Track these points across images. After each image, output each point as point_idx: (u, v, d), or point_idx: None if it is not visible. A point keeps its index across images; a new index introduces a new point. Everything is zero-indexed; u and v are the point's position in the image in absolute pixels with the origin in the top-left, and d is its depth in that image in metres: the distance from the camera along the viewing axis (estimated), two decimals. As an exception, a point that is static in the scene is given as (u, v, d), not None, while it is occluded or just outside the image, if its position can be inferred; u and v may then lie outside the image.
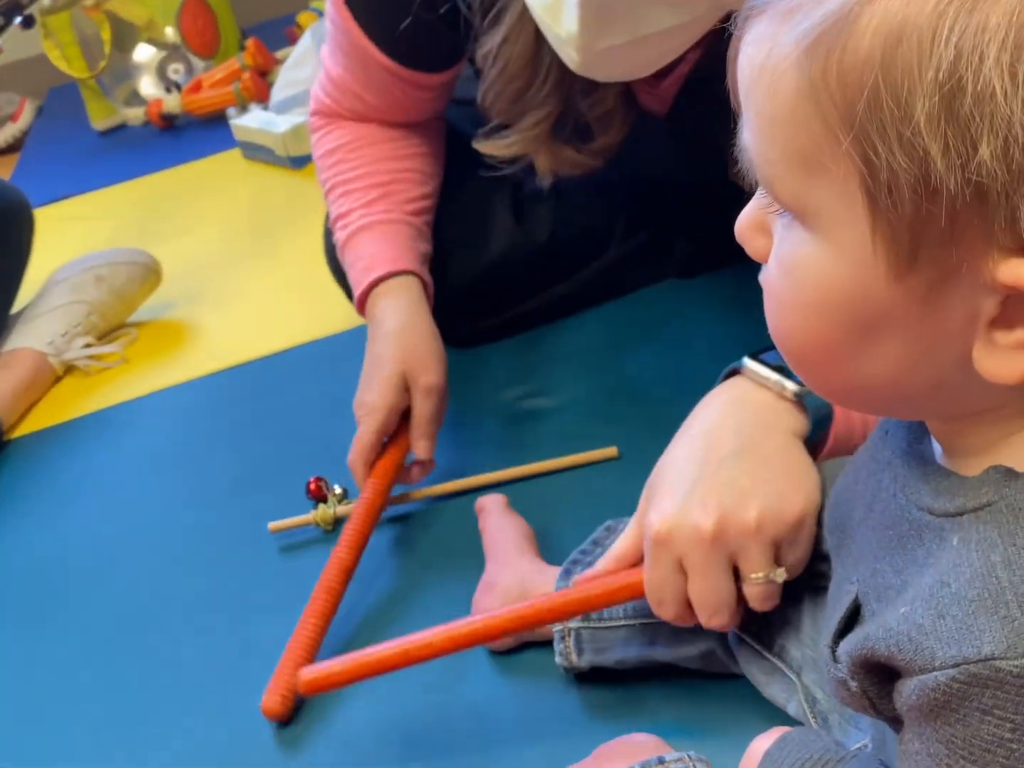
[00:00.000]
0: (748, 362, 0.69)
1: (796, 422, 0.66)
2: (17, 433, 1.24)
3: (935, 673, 0.37)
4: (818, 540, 0.64)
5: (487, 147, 0.90)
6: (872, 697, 0.43)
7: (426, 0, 0.88)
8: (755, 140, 0.38)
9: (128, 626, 0.93)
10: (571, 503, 0.91)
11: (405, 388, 0.92)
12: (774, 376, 0.67)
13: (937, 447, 0.44)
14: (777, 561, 0.63)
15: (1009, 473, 0.39)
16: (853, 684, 0.43)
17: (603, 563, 0.70)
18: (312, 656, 0.81)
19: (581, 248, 1.11)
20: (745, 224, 0.42)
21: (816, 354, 0.40)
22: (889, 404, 0.43)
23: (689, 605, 0.65)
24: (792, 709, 0.67)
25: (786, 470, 0.64)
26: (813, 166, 0.36)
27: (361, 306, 0.99)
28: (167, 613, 0.93)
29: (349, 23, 0.93)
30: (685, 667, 0.73)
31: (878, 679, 0.42)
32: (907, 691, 0.39)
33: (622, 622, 0.74)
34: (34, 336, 1.30)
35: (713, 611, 0.64)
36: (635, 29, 0.69)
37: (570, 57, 0.75)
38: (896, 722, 0.43)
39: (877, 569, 0.44)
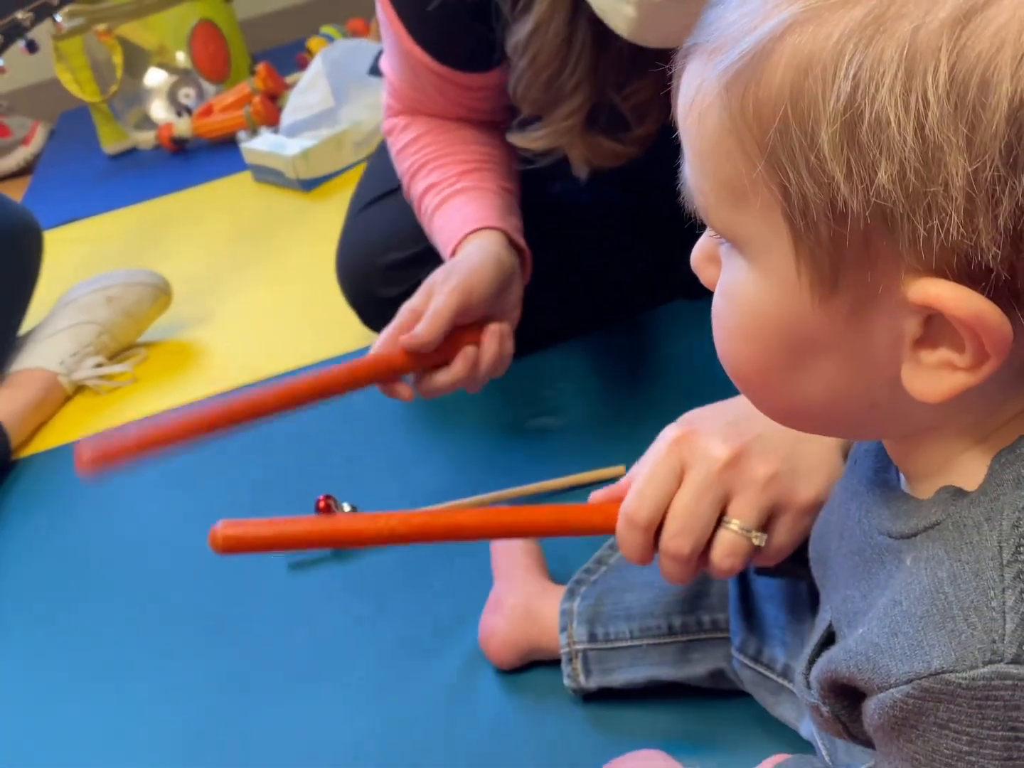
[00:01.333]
0: None
1: (835, 455, 0.65)
2: (27, 452, 1.25)
3: (892, 690, 0.38)
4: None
5: (520, 139, 0.89)
6: (844, 721, 0.44)
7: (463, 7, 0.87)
8: (690, 172, 0.40)
9: (137, 643, 0.93)
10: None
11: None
12: None
13: (901, 475, 0.45)
14: (763, 528, 0.62)
15: (957, 492, 0.40)
16: (824, 709, 0.44)
17: (594, 496, 0.69)
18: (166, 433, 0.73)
19: (589, 268, 1.11)
20: (698, 254, 0.44)
21: (756, 377, 0.42)
22: (830, 424, 0.44)
23: (657, 529, 0.62)
24: (804, 728, 0.67)
25: (815, 460, 0.63)
26: (739, 196, 0.38)
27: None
28: (175, 630, 0.94)
29: (396, 25, 0.93)
30: (694, 685, 0.73)
31: (847, 702, 0.43)
32: (870, 711, 0.40)
33: (629, 643, 0.74)
34: (45, 356, 1.31)
35: (680, 530, 0.61)
36: None
37: (623, 16, 0.73)
38: (871, 746, 0.43)
39: (847, 595, 0.45)
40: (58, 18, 1.30)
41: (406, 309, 0.86)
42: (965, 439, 0.40)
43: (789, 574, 0.67)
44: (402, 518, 0.65)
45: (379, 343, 0.85)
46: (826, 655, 0.43)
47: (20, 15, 1.23)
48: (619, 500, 0.64)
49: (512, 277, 0.90)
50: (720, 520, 0.62)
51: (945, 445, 0.41)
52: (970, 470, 0.40)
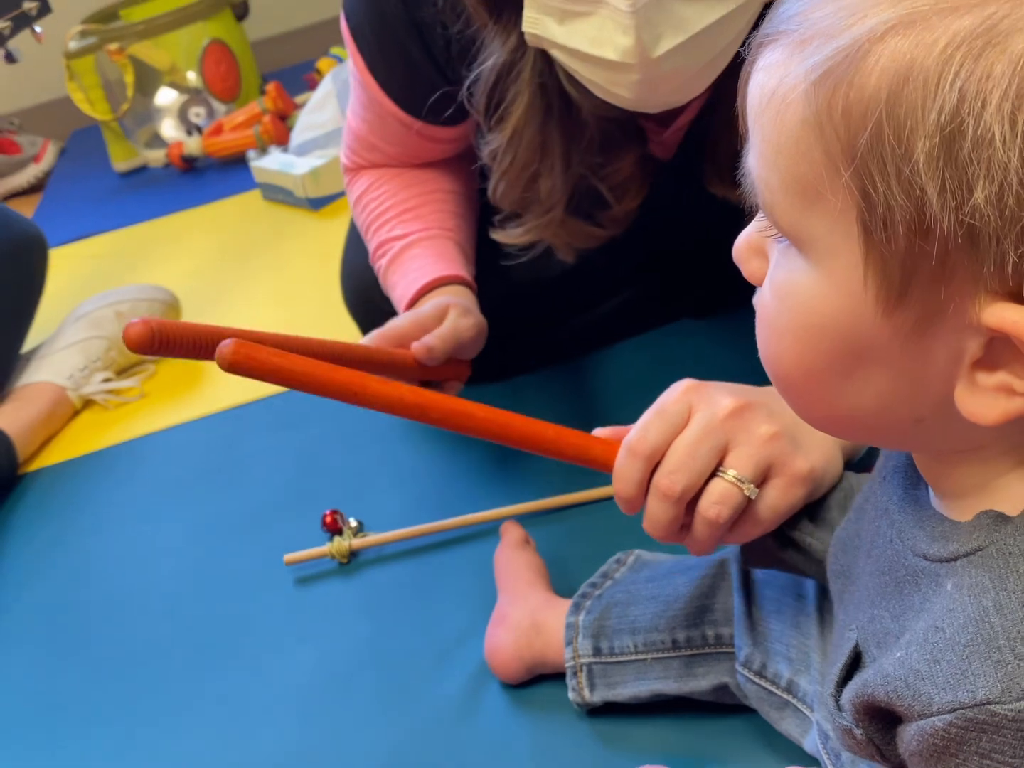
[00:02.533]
0: None
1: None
2: (35, 466, 1.26)
3: (933, 718, 0.38)
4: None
5: (503, 236, 0.91)
6: (879, 744, 0.43)
7: (436, 65, 0.89)
8: (759, 165, 0.39)
9: (145, 658, 0.94)
10: (584, 537, 0.91)
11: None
12: None
13: (932, 493, 0.44)
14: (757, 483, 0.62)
15: (999, 517, 0.39)
16: (859, 732, 0.44)
17: (599, 431, 0.69)
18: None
19: (596, 285, 1.12)
20: (743, 245, 0.43)
21: (802, 380, 0.41)
22: (871, 434, 0.43)
23: (654, 468, 0.63)
24: (808, 744, 0.67)
25: (814, 438, 0.63)
26: (812, 195, 0.37)
27: None
28: (184, 644, 0.94)
29: (366, 76, 0.95)
30: (699, 700, 0.73)
31: (882, 725, 0.43)
32: (907, 736, 0.40)
33: (633, 657, 0.74)
34: (53, 370, 1.32)
35: (677, 467, 0.61)
36: (687, 28, 0.69)
37: (627, 83, 0.74)
38: None
39: (875, 615, 0.44)
40: (37, 28, 1.30)
41: (409, 319, 0.86)
42: (1008, 460, 0.40)
43: (779, 566, 0.67)
44: (413, 389, 0.66)
45: (375, 338, 0.84)
46: (860, 678, 0.43)
47: None
48: (619, 439, 0.65)
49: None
50: (715, 472, 0.62)
51: (986, 466, 0.40)
52: (1012, 493, 0.40)
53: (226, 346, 0.64)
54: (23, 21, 1.25)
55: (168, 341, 0.67)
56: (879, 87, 0.34)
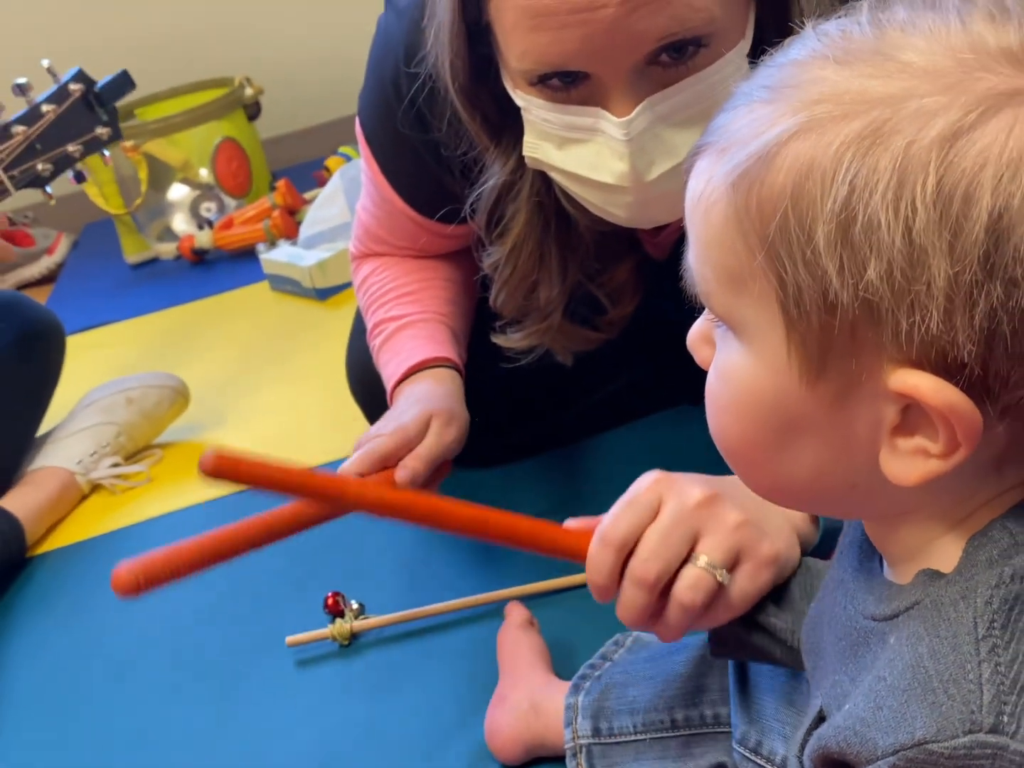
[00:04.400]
0: None
1: (803, 523, 0.68)
2: (42, 549, 1.27)
3: (879, 762, 0.40)
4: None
5: (504, 341, 0.95)
6: None
7: (450, 173, 0.93)
8: (695, 260, 0.43)
9: (146, 738, 0.94)
10: (585, 619, 0.92)
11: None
12: None
13: (884, 564, 0.47)
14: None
15: (935, 574, 0.42)
16: None
17: (570, 522, 0.70)
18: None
19: (594, 371, 1.15)
20: (694, 335, 0.47)
21: (745, 452, 0.44)
22: (812, 501, 0.47)
23: (626, 557, 0.64)
24: (805, 820, 0.67)
25: (778, 522, 0.66)
26: (739, 283, 0.41)
27: (392, 399, 0.96)
28: (185, 725, 0.94)
29: (379, 178, 1.00)
30: (696, 780, 0.73)
31: None
32: None
33: (632, 737, 0.74)
34: (63, 455, 1.34)
35: (650, 555, 0.63)
36: (677, 153, 0.75)
37: (621, 204, 0.79)
38: None
39: (836, 680, 0.47)
40: (106, 152, 1.36)
41: (393, 438, 0.84)
42: (941, 523, 0.43)
43: (744, 653, 0.68)
44: (389, 490, 0.69)
45: (357, 462, 0.83)
46: (816, 733, 0.45)
47: (71, 147, 1.29)
48: (592, 530, 0.66)
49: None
50: (687, 560, 0.64)
51: (922, 529, 0.43)
52: (946, 553, 0.42)
53: (207, 458, 0.66)
54: (95, 145, 1.31)
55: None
56: (785, 183, 0.38)
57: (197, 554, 0.72)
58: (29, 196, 2.59)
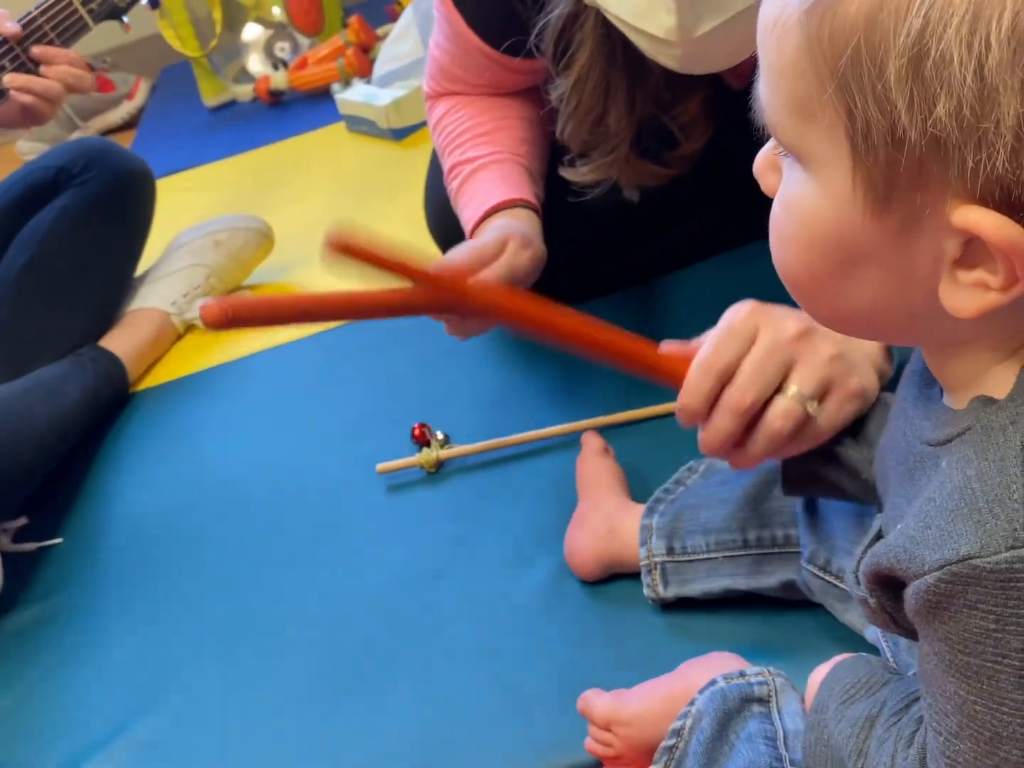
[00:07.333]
0: None
1: (880, 359, 0.70)
2: (142, 386, 1.34)
3: (926, 577, 0.42)
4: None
5: (571, 174, 0.94)
6: (890, 611, 0.48)
7: (522, 2, 0.92)
8: (764, 88, 0.43)
9: (249, 559, 1.01)
10: (658, 448, 0.95)
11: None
12: None
13: (943, 391, 0.48)
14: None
15: (987, 401, 0.43)
16: (872, 601, 0.48)
17: (666, 345, 0.72)
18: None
19: (671, 208, 1.14)
20: (760, 162, 0.47)
21: (807, 283, 0.45)
22: (875, 330, 0.48)
23: (722, 386, 0.66)
24: (869, 633, 0.70)
25: (863, 353, 0.68)
26: (808, 114, 0.41)
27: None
28: (286, 548, 1.01)
29: (451, 11, 0.98)
30: (767, 595, 0.77)
31: (892, 593, 0.47)
32: (908, 598, 0.44)
33: (704, 556, 0.78)
34: (158, 297, 1.40)
35: (746, 383, 0.66)
36: (726, 10, 0.73)
37: (670, 55, 0.78)
38: (916, 638, 0.48)
39: (895, 503, 0.49)
40: None
41: (468, 252, 0.85)
42: (997, 353, 0.44)
43: (816, 487, 0.71)
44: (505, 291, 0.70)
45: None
46: (871, 551, 0.48)
47: None
48: (688, 356, 0.68)
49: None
50: (778, 390, 0.66)
51: (979, 358, 0.44)
52: (1000, 381, 0.44)
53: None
54: None
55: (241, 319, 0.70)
56: (858, 15, 0.38)
57: (288, 306, 0.74)
58: (107, 40, 2.60)
